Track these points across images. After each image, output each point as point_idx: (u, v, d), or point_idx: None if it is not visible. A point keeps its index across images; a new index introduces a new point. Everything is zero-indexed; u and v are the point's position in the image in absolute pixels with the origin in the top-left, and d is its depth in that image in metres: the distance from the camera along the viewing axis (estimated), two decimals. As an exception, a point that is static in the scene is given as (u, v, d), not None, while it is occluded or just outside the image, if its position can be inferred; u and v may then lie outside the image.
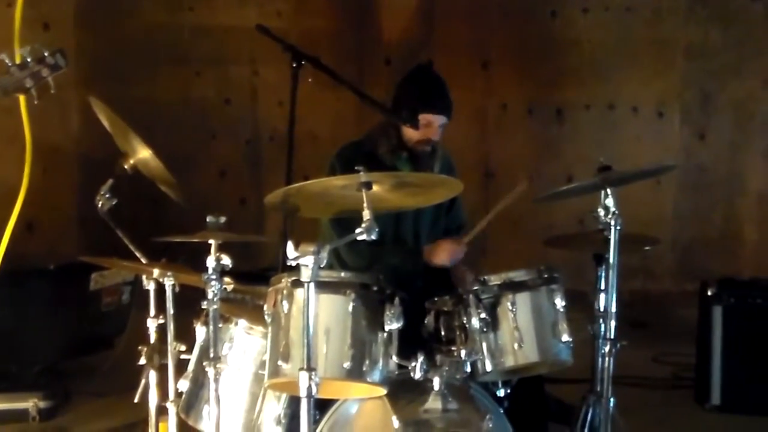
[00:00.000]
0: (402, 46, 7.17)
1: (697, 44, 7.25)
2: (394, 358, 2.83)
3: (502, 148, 7.32)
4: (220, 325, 3.05)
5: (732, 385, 4.77)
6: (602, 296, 3.32)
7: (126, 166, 3.35)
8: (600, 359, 3.29)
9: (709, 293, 4.86)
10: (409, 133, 3.64)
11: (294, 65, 3.35)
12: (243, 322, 3.20)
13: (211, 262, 2.87)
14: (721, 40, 7.23)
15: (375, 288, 2.83)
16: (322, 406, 2.91)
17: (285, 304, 2.78)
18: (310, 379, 2.51)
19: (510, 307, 3.05)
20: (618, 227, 3.21)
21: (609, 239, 3.21)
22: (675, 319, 6.40)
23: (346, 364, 2.73)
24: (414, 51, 7.03)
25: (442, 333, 3.16)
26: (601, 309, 3.31)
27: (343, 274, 2.97)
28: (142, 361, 3.36)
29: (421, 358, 2.82)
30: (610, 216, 3.20)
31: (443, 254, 3.60)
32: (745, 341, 4.78)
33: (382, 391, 2.83)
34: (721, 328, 4.79)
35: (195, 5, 7.08)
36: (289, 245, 2.50)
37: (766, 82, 7.21)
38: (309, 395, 2.53)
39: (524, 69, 7.24)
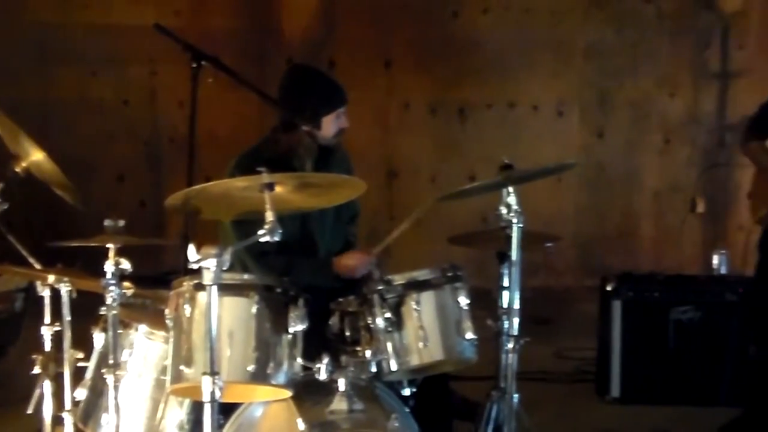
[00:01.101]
0: (304, 45, 7.14)
1: (594, 45, 7.40)
2: (299, 360, 2.80)
3: (405, 147, 7.35)
4: (120, 331, 2.98)
5: (630, 377, 4.87)
6: (505, 293, 3.34)
7: (18, 169, 3.24)
8: (504, 356, 3.31)
9: (609, 288, 4.95)
10: (326, 129, 3.64)
11: (194, 65, 3.29)
12: (143, 327, 3.13)
13: (109, 266, 2.81)
14: (616, 42, 7.40)
15: (279, 290, 2.80)
16: (226, 410, 2.86)
17: (187, 307, 2.73)
18: (214, 383, 2.47)
19: (414, 306, 3.05)
20: (520, 225, 3.24)
21: (511, 237, 3.24)
22: (576, 315, 6.52)
23: (250, 367, 2.69)
24: (316, 50, 7.02)
25: (347, 333, 3.15)
26: (505, 306, 3.33)
27: (246, 277, 2.93)
28: (36, 370, 3.26)
29: (326, 360, 2.80)
30: (512, 214, 3.23)
31: (353, 265, 3.59)
32: (643, 334, 4.89)
33: (287, 393, 2.80)
34: (620, 321, 4.89)
35: (89, 3, 6.93)
36: (191, 248, 2.46)
37: (661, 82, 7.41)
38: (212, 400, 2.48)
39: (426, 68, 7.29)
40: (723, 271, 5.26)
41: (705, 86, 7.41)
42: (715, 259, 5.31)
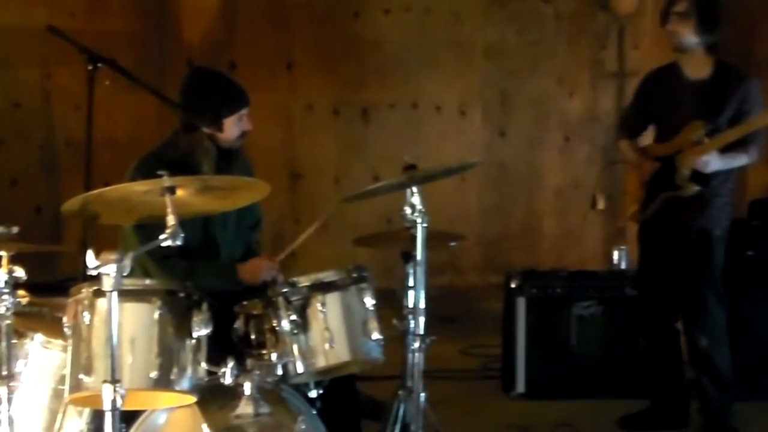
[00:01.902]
0: (204, 47, 7.04)
1: (494, 45, 7.49)
2: (204, 365, 2.76)
3: (308, 148, 7.31)
4: (14, 341, 2.88)
5: (535, 373, 4.95)
6: (411, 293, 3.36)
7: None
8: (410, 355, 3.33)
9: (513, 285, 5.02)
10: (228, 132, 3.59)
11: (90, 68, 3.21)
12: (40, 337, 3.03)
13: (2, 274, 2.72)
14: (517, 41, 7.50)
15: (182, 294, 2.76)
16: (128, 418, 2.80)
17: (86, 315, 2.66)
18: (115, 391, 2.42)
19: (320, 308, 3.05)
20: (424, 224, 3.27)
21: (416, 237, 3.26)
22: (482, 312, 6.58)
23: (153, 374, 2.64)
24: (216, 52, 6.94)
25: (253, 337, 3.12)
26: (410, 305, 3.35)
27: (147, 282, 2.88)
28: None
29: (231, 364, 2.77)
30: (416, 214, 3.26)
31: (256, 272, 3.55)
32: (547, 330, 4.97)
33: (192, 398, 2.76)
34: (525, 318, 4.96)
35: (-24, 3, 6.71)
36: (90, 254, 2.40)
37: (560, 81, 7.55)
38: (113, 408, 2.43)
39: (329, 69, 7.27)
40: (623, 266, 5.37)
41: (602, 85, 7.57)
42: (616, 255, 5.42)
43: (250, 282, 3.54)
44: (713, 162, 4.09)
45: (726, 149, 4.13)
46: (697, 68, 4.22)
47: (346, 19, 7.27)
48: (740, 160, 4.20)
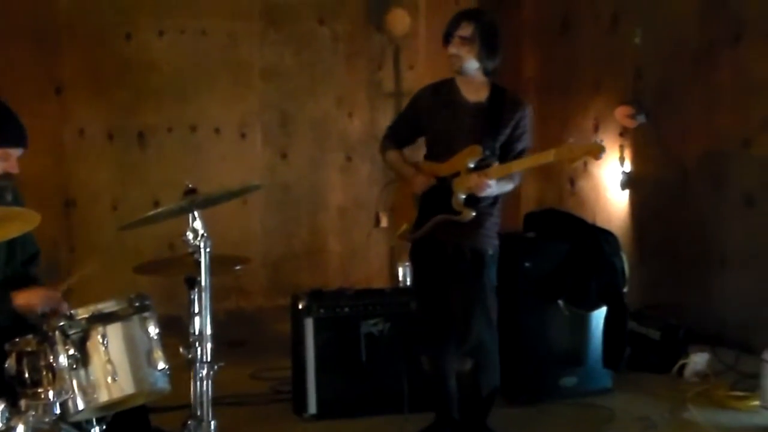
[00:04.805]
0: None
1: (272, 67, 7.49)
2: (-28, 410, 2.57)
3: (82, 175, 7.02)
4: None
5: (326, 393, 4.93)
6: (197, 319, 3.27)
7: None
8: (198, 383, 3.24)
9: (300, 306, 4.99)
10: None
11: None
12: None
13: None
14: (294, 63, 7.54)
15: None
16: None
17: None
18: None
19: (101, 340, 2.95)
20: (208, 249, 3.21)
21: (200, 261, 3.20)
22: (270, 335, 6.54)
23: None
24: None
25: (27, 375, 2.94)
26: (197, 332, 3.26)
27: None
28: None
29: (1, 406, 2.60)
30: (199, 238, 3.20)
31: (34, 300, 3.33)
32: (336, 349, 4.97)
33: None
34: (313, 339, 4.94)
35: None
36: None
37: (339, 102, 7.64)
38: None
39: (101, 93, 7.02)
40: (408, 282, 5.45)
41: (381, 105, 7.73)
42: (401, 271, 5.51)
43: (26, 311, 3.32)
44: (493, 188, 4.19)
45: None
46: (475, 91, 4.28)
47: (118, 41, 7.05)
48: (509, 186, 4.32)
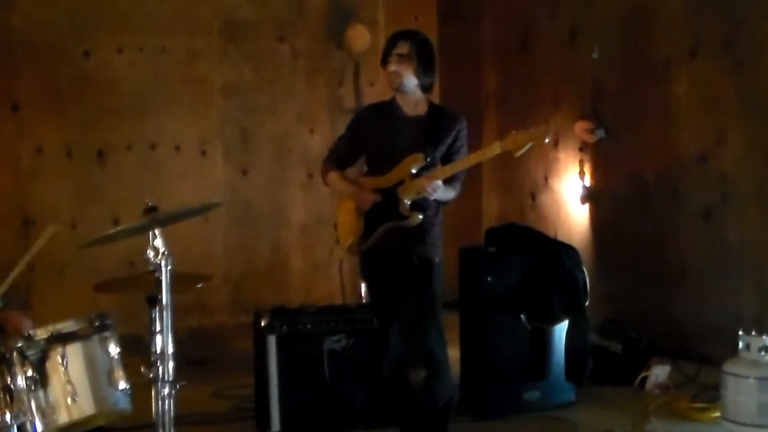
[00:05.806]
0: None
1: (232, 83, 7.47)
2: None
3: (40, 193, 6.94)
4: None
5: (290, 410, 4.91)
6: (158, 338, 3.24)
7: None
8: (160, 402, 3.21)
9: (263, 323, 4.97)
10: None
11: None
12: None
13: None
14: (254, 79, 7.52)
15: None
16: None
17: None
18: None
19: (60, 361, 2.91)
20: (169, 267, 3.19)
21: (161, 279, 3.17)
22: (233, 352, 6.50)
23: None
24: None
25: (-17, 399, 2.89)
26: (158, 351, 3.23)
27: None
28: None
29: (-43, 430, 2.55)
30: (160, 256, 3.17)
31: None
32: (299, 366, 4.95)
33: None
34: (276, 356, 4.92)
35: None
36: None
37: (300, 118, 7.63)
38: None
39: (59, 111, 6.95)
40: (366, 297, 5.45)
41: (341, 121, 7.63)
42: (363, 287, 5.50)
43: None
44: (441, 189, 4.24)
45: (444, 182, 4.28)
46: (414, 107, 4.38)
47: (75, 59, 6.99)
48: (451, 193, 4.38)
